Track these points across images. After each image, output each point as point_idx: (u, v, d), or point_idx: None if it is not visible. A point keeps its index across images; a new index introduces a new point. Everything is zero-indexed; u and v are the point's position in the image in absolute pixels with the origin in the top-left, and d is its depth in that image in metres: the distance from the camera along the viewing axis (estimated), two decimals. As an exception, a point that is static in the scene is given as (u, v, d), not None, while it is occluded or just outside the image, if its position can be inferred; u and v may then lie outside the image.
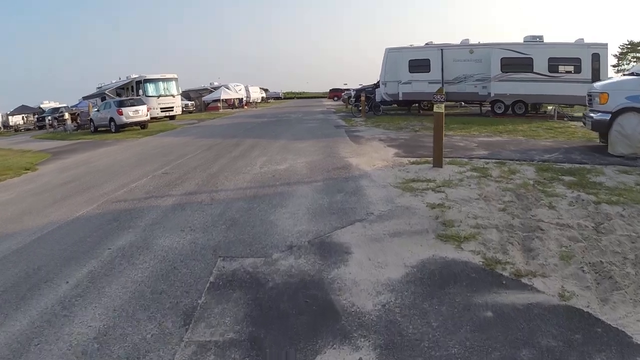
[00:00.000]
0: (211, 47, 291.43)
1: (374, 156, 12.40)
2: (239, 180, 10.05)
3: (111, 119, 30.09)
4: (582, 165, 10.08)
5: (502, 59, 25.67)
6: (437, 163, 10.16)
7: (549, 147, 13.21)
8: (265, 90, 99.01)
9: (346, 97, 49.68)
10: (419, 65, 27.87)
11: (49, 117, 47.72)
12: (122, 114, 29.54)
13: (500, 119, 23.23)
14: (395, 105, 32.14)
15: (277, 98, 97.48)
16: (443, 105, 10.14)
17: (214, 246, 5.89)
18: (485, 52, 26.44)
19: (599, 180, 8.56)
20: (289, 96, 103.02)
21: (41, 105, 59.16)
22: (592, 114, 12.30)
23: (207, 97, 57.75)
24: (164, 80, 39.64)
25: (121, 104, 30.39)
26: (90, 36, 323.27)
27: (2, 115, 57.02)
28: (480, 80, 26.80)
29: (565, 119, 22.61)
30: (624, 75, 13.87)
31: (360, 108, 28.92)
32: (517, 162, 10.75)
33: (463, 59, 27.33)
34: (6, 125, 56.11)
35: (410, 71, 27.94)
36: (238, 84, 62.73)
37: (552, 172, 9.40)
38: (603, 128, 11.85)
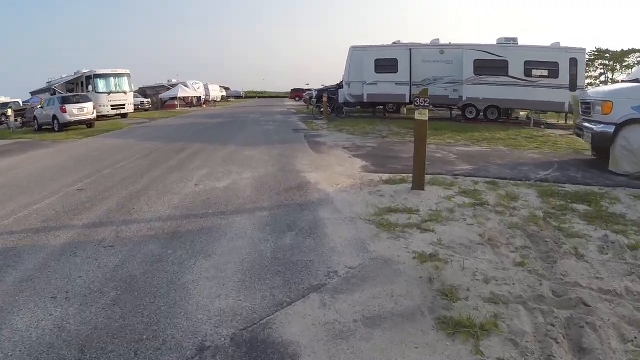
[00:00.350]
0: (170, 46, 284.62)
1: (337, 170, 10.15)
2: (164, 204, 7.63)
3: (54, 117, 27.04)
4: (588, 188, 8.10)
5: (475, 60, 23.92)
6: (418, 185, 7.97)
7: (539, 160, 11.28)
8: (226, 89, 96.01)
9: (308, 97, 47.55)
10: (385, 65, 25.85)
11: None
12: (65, 112, 26.51)
13: (474, 125, 21.42)
14: (359, 107, 30.06)
15: (239, 97, 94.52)
16: (427, 111, 7.93)
17: (80, 344, 3.52)
18: (457, 53, 24.63)
19: (618, 211, 6.61)
20: (251, 95, 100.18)
21: (-8, 100, 54.84)
22: (591, 125, 10.35)
23: (164, 95, 54.58)
24: (115, 75, 36.52)
25: (65, 101, 27.34)
26: (44, 28, 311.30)
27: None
28: (451, 83, 24.99)
29: (542, 126, 20.94)
30: (624, 81, 11.90)
31: (322, 110, 26.68)
32: (512, 182, 8.71)
33: (433, 59, 25.45)
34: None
35: (377, 71, 25.89)
36: (197, 81, 59.67)
37: (559, 197, 7.38)
38: (605, 142, 9.89)
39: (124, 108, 36.47)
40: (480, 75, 23.78)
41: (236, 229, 6.09)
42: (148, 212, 7.17)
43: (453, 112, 27.13)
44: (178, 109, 50.73)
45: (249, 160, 11.89)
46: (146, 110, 50.05)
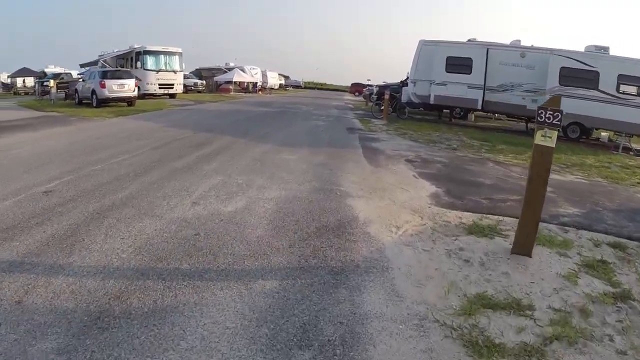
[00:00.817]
0: (234, 29, 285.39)
1: (399, 198, 7.14)
2: (128, 238, 4.87)
3: (93, 92, 25.33)
4: None
5: (562, 68, 20.22)
6: (523, 248, 4.88)
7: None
8: (286, 77, 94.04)
9: (367, 93, 44.55)
10: (458, 64, 22.46)
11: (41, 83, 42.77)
12: (104, 87, 24.72)
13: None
14: (422, 108, 26.73)
15: (297, 86, 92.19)
16: (555, 133, 4.79)
17: None
18: (541, 57, 20.99)
19: None
20: (310, 86, 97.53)
21: (45, 70, 54.38)
22: None
23: (219, 78, 52.64)
24: (165, 53, 34.59)
25: (104, 76, 25.57)
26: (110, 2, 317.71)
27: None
28: (531, 92, 21.37)
29: (631, 152, 17.22)
30: None
31: (382, 108, 23.57)
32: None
33: (512, 63, 21.85)
34: (8, 86, 51.81)
35: (447, 70, 22.54)
36: (254, 67, 57.55)
37: None
38: None
39: (172, 88, 34.57)
40: (565, 85, 20.10)
41: (205, 329, 3.18)
42: (95, 254, 4.42)
43: (529, 124, 23.50)
44: (232, 93, 48.66)
45: (283, 167, 9.05)
46: (199, 92, 48.35)
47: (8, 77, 52.77)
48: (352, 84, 69.96)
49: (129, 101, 26.01)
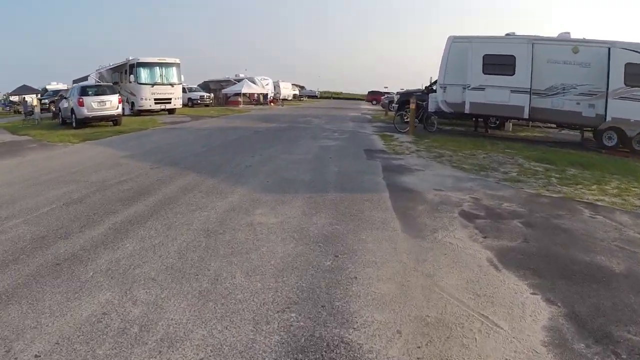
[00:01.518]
0: (245, 43, 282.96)
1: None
2: None
3: (72, 111, 21.85)
4: None
5: (627, 65, 15.99)
6: None
7: None
8: (301, 88, 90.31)
9: (386, 101, 40.41)
10: (498, 64, 18.22)
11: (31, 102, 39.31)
12: (82, 105, 21.38)
13: (621, 158, 13.67)
14: (453, 118, 22.34)
15: (313, 96, 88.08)
16: None
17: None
18: (597, 52, 16.79)
19: None
20: (326, 95, 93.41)
21: (47, 86, 51.22)
22: None
23: (227, 90, 48.92)
24: (161, 65, 30.93)
25: (83, 92, 22.18)
26: (115, 12, 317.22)
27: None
28: (587, 95, 17.04)
29: None
30: None
31: (407, 119, 19.29)
32: None
33: (562, 60, 17.51)
34: (8, 104, 48.81)
35: (485, 71, 18.27)
36: (265, 77, 53.67)
37: None
38: None
39: (169, 102, 30.91)
40: (633, 86, 15.85)
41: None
42: None
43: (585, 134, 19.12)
44: (241, 106, 44.88)
45: (246, 253, 4.87)
46: (206, 105, 44.78)
47: (6, 94, 49.75)
48: (368, 92, 65.70)
49: (114, 120, 22.41)
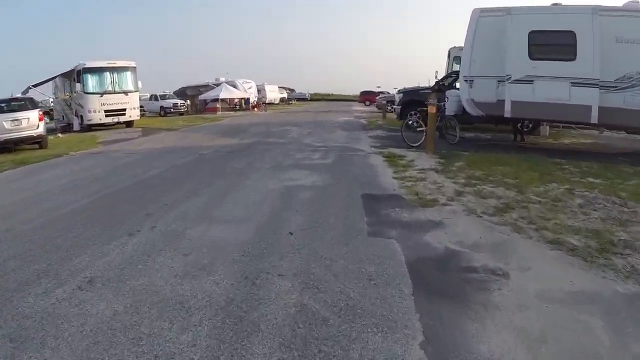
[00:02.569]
0: (236, 45, 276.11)
1: None
2: None
3: (-27, 134, 16.06)
4: None
5: None
6: None
7: None
8: (291, 90, 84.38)
9: (383, 102, 34.48)
10: (552, 44, 12.36)
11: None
12: None
13: None
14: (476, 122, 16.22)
15: (303, 99, 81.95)
16: None
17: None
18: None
19: None
20: (316, 98, 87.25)
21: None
22: None
23: (204, 96, 42.77)
24: (112, 70, 24.81)
25: (-11, 109, 16.42)
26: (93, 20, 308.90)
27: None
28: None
29: None
30: None
31: (420, 127, 13.09)
32: None
33: (636, 38, 11.69)
34: None
35: (534, 56, 12.33)
36: (247, 80, 47.49)
37: None
38: None
39: (123, 114, 24.68)
40: None
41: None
42: None
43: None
44: (219, 113, 38.84)
45: None
46: (181, 114, 38.90)
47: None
48: (361, 93, 59.60)
49: (37, 142, 16.60)
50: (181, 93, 45.95)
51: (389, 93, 45.56)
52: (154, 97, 41.14)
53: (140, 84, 26.51)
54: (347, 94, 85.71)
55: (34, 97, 28.25)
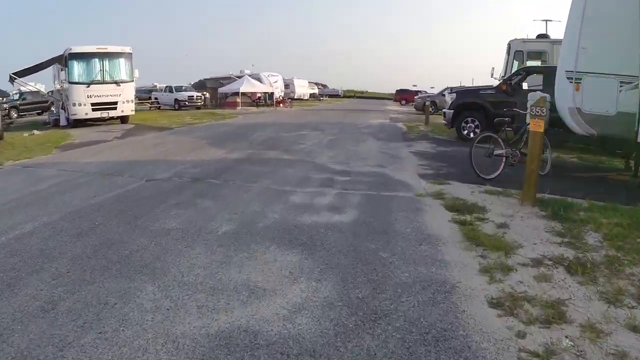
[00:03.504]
0: (268, 38, 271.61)
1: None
2: None
3: None
4: None
5: None
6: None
7: None
8: (324, 86, 79.65)
9: (421, 102, 29.52)
10: None
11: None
12: None
13: None
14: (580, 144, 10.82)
15: (336, 95, 76.98)
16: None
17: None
18: None
19: None
20: (349, 95, 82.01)
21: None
22: None
23: (224, 89, 38.28)
24: (101, 56, 20.35)
25: None
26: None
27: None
28: None
29: None
30: None
31: (496, 150, 7.99)
32: None
33: None
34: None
35: None
36: (274, 74, 42.71)
37: None
38: None
39: (114, 108, 20.23)
40: None
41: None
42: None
43: None
44: (239, 108, 34.36)
45: None
46: (197, 107, 34.56)
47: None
48: (397, 91, 54.25)
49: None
50: (201, 85, 41.62)
51: (426, 92, 40.50)
52: (168, 89, 36.89)
53: (137, 73, 21.92)
54: (380, 92, 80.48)
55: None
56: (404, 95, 50.03)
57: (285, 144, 12.57)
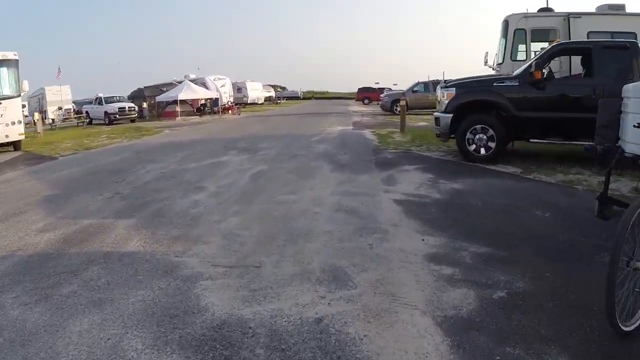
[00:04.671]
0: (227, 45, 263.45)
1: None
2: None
3: None
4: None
5: None
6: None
7: None
8: (282, 89, 74.16)
9: (388, 101, 24.37)
10: None
11: None
12: None
13: None
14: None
15: (295, 98, 71.19)
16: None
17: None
18: None
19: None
20: (308, 96, 76.22)
21: None
22: None
23: (162, 97, 31.99)
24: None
25: None
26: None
27: None
28: None
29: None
30: None
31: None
32: None
33: None
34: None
35: None
36: (221, 77, 36.56)
37: None
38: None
39: (-9, 130, 14.05)
40: None
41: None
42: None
43: None
44: (178, 118, 28.34)
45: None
46: (132, 120, 28.45)
47: None
48: (359, 89, 49.00)
49: None
50: (138, 94, 35.28)
51: (390, 89, 35.30)
52: (97, 101, 30.50)
53: (26, 85, 15.65)
54: (343, 92, 75.02)
55: None
56: (366, 94, 45.15)
57: (168, 199, 6.61)
